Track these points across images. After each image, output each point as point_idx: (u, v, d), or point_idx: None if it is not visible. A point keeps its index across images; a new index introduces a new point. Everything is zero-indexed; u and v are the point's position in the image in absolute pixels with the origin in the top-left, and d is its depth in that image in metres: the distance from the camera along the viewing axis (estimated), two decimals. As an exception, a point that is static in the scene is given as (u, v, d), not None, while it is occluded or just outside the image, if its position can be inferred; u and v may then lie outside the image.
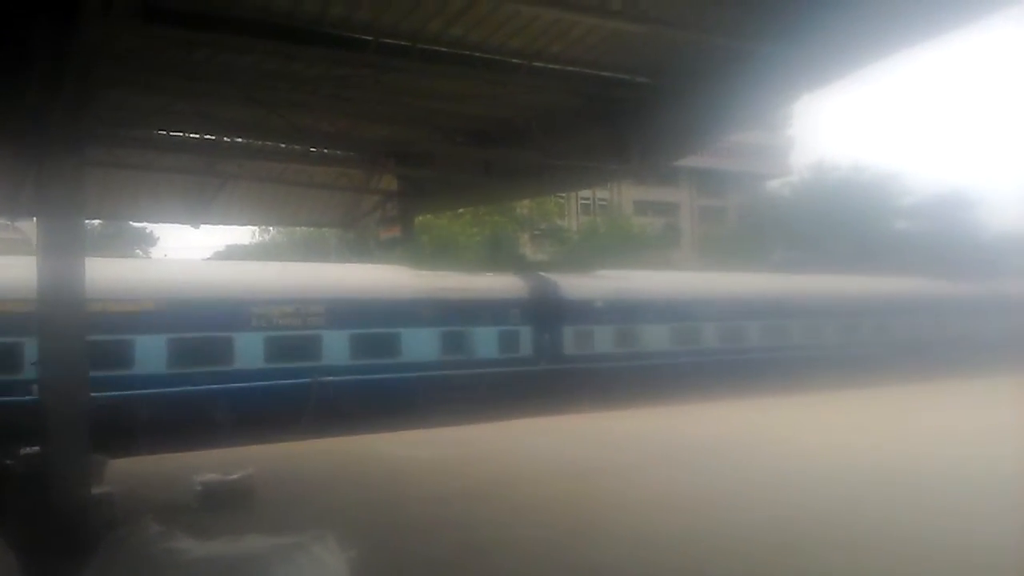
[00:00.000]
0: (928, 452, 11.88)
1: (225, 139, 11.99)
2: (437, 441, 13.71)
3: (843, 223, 36.84)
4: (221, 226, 16.67)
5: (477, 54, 8.76)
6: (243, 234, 52.65)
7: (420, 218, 35.29)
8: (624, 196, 56.33)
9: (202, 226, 14.70)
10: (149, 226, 43.10)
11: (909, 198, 39.93)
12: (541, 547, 7.04)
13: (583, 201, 55.37)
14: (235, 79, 9.46)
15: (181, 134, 11.85)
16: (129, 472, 10.29)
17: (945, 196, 39.16)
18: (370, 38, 8.24)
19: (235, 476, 8.65)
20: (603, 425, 15.32)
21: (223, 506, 8.28)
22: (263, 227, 37.73)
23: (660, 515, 8.25)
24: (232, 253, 37.70)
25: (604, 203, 55.66)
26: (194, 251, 61.25)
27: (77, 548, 5.97)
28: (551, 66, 9.12)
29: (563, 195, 53.51)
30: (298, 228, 33.41)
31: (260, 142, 12.12)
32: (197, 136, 11.95)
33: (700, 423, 15.62)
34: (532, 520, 8.01)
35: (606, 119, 10.39)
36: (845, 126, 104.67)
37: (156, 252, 42.98)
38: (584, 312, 21.10)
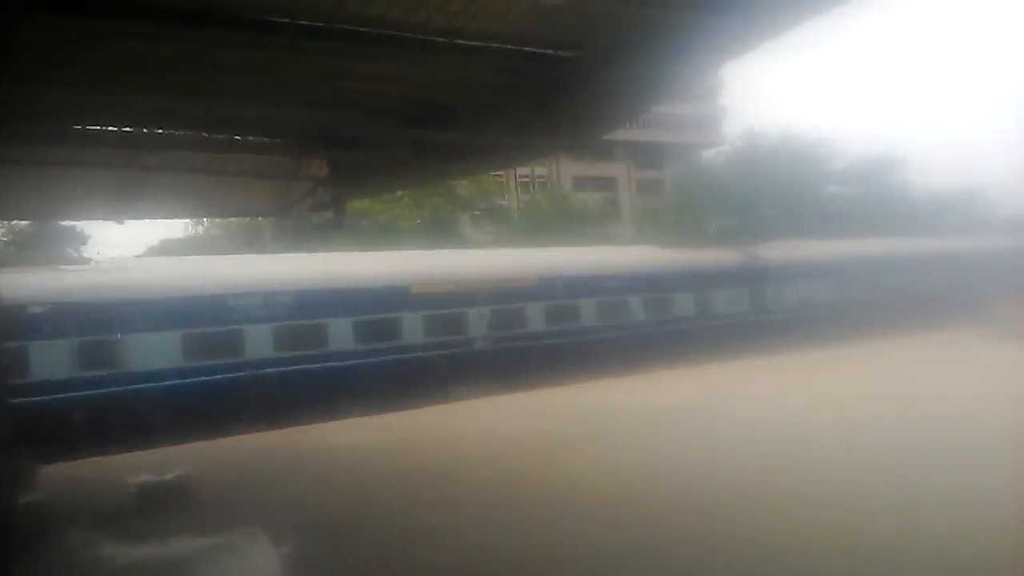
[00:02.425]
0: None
1: (144, 130, 11.62)
2: (386, 427, 13.67)
3: (776, 190, 37.38)
4: (148, 220, 16.21)
5: (398, 33, 8.59)
6: (176, 228, 51.47)
7: (358, 203, 35.02)
8: (563, 172, 56.44)
9: (127, 221, 14.29)
10: (78, 224, 41.82)
11: (840, 162, 40.68)
12: (484, 529, 6.99)
13: (522, 179, 55.37)
14: (150, 69, 9.16)
15: (99, 128, 11.47)
16: (63, 477, 10.03)
17: (874, 159, 40.01)
18: (286, 20, 8.02)
19: (170, 477, 8.45)
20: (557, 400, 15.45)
21: (159, 508, 8.09)
22: (194, 219, 36.96)
23: (610, 487, 8.28)
24: (167, 248, 36.86)
25: (543, 180, 55.70)
26: (125, 248, 59.81)
27: (4, 558, 5.77)
28: (474, 43, 8.99)
29: (501, 173, 53.49)
30: (232, 219, 32.82)
31: (181, 132, 11.78)
32: (115, 128, 11.56)
33: (643, 393, 15.83)
34: (479, 501, 7.98)
35: (534, 95, 10.30)
36: (776, 93, 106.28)
37: (87, 251, 41.75)
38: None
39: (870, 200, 35.76)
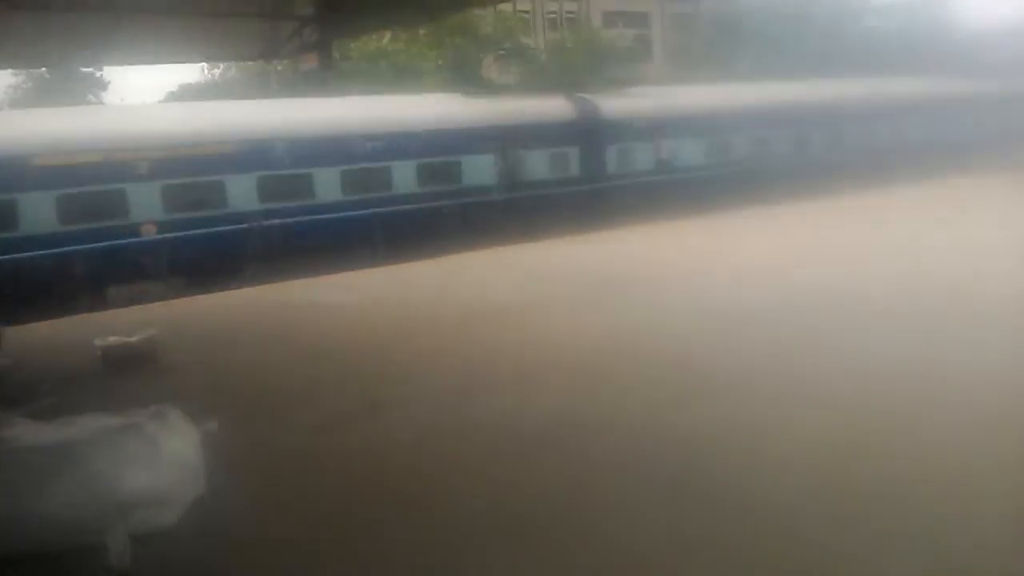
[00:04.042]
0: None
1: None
2: (368, 284, 13.44)
3: (813, 24, 35.47)
4: (129, 66, 15.72)
5: None
6: (194, 73, 50.74)
7: (373, 44, 33.88)
8: (592, 7, 53.96)
9: (105, 67, 13.93)
10: (98, 72, 41.26)
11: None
12: (442, 399, 6.88)
13: (550, 15, 53.12)
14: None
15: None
16: (31, 339, 10.11)
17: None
18: None
19: (136, 338, 8.47)
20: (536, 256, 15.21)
21: (125, 370, 8.13)
22: (185, 64, 36.16)
23: (576, 352, 8.17)
24: (185, 93, 36.38)
25: (572, 16, 53.38)
26: (148, 93, 59.28)
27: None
28: None
29: (527, 9, 51.31)
30: (246, 64, 32.09)
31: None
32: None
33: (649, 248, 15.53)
34: (442, 366, 7.87)
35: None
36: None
37: (109, 97, 41.41)
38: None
39: (911, 35, 33.78)
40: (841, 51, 31.76)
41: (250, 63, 23.36)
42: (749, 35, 40.46)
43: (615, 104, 22.06)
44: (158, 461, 4.67)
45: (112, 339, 8.47)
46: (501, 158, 19.27)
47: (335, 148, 16.46)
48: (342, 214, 16.37)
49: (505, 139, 19.39)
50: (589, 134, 21.06)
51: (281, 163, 15.77)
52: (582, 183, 20.60)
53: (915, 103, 27.83)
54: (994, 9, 52.73)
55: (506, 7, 46.36)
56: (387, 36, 34.83)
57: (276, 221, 15.55)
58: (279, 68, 21.93)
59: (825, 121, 25.29)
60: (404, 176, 17.56)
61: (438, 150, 18.21)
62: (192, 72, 52.48)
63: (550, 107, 21.05)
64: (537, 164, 19.91)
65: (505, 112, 19.97)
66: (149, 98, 42.27)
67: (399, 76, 33.51)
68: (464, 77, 36.58)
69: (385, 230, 16.76)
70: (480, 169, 18.95)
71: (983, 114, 29.19)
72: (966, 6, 54.81)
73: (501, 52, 45.62)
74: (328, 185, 16.34)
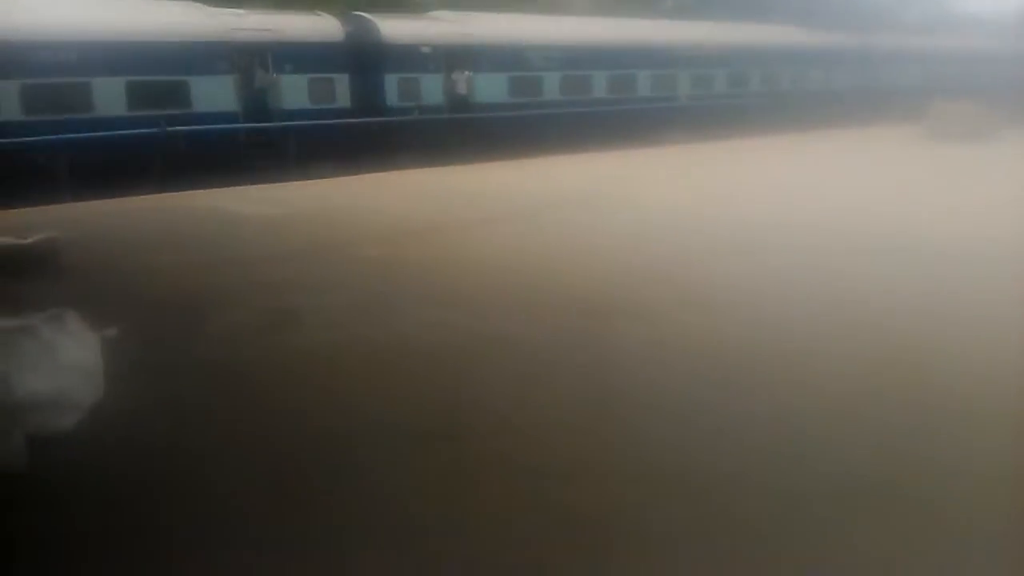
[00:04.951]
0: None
1: None
2: (289, 198, 13.31)
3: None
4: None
5: None
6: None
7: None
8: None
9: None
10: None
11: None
12: (343, 314, 6.86)
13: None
14: None
15: None
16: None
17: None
18: None
19: (31, 240, 8.12)
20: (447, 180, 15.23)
21: (21, 273, 7.79)
22: None
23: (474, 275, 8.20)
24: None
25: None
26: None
27: None
28: None
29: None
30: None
31: None
32: None
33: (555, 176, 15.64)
34: (348, 284, 7.81)
35: None
36: None
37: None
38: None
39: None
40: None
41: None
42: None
43: (403, 28, 19.57)
44: (54, 364, 4.56)
45: (3, 239, 8.11)
46: (242, 80, 16.86)
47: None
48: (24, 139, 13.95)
49: (250, 58, 16.91)
50: (363, 59, 18.64)
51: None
52: (353, 115, 18.27)
53: (817, 53, 28.05)
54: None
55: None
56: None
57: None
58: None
59: (655, 64, 23.71)
60: (108, 95, 15.09)
61: (157, 67, 15.68)
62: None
63: (310, 25, 18.37)
64: (292, 90, 17.52)
65: (252, 27, 17.13)
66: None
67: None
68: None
69: (79, 162, 14.06)
70: (214, 92, 16.44)
71: (888, 68, 30.06)
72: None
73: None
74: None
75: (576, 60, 21.81)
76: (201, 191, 13.74)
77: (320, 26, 18.36)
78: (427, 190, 14.41)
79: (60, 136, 14.14)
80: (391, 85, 18.88)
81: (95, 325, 5.15)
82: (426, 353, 5.84)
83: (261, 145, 16.80)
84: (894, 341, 5.84)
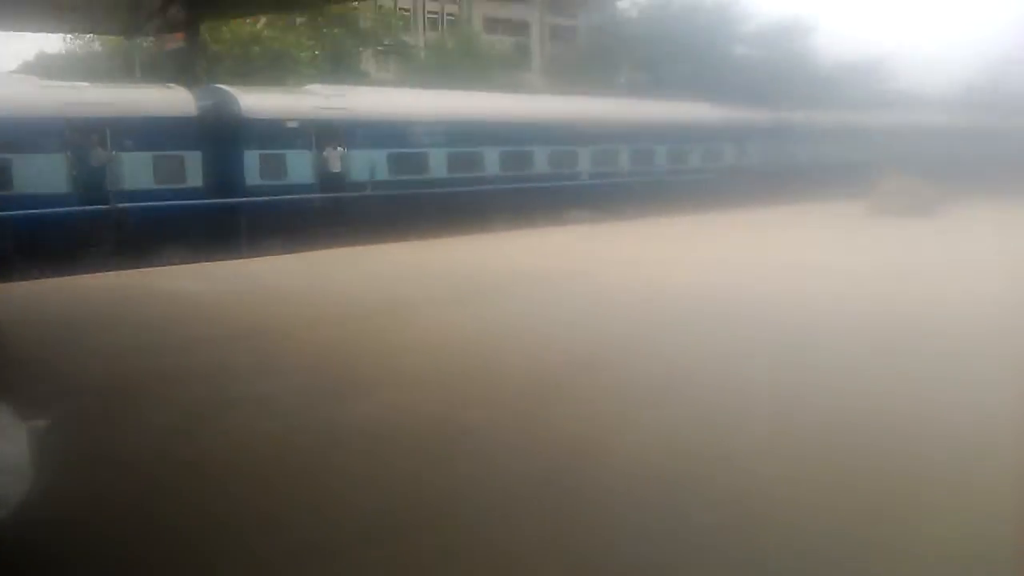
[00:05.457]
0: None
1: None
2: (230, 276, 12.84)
3: (685, 46, 36.66)
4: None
5: None
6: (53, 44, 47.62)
7: (246, 28, 32.69)
8: (474, 11, 54.07)
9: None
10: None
11: (751, 23, 40.04)
12: (284, 402, 6.55)
13: (431, 15, 52.89)
14: None
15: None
16: None
17: (783, 22, 39.53)
18: None
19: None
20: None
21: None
22: (44, 32, 33.63)
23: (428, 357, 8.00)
24: (42, 64, 33.95)
25: (452, 18, 53.32)
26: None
27: None
28: None
29: (408, 8, 50.85)
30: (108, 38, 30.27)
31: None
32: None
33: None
34: (290, 366, 7.53)
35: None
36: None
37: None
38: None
39: (774, 65, 35.38)
40: (711, 75, 32.79)
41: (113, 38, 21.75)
42: (623, 52, 41.54)
43: (267, 101, 18.32)
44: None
45: None
46: (75, 159, 15.59)
47: None
48: None
49: (85, 135, 15.63)
50: (219, 135, 17.29)
51: None
52: (206, 195, 16.89)
53: (763, 130, 28.57)
54: (855, 45, 56.09)
55: (387, 2, 45.92)
56: (262, 21, 33.69)
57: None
58: (144, 45, 20.43)
59: (554, 140, 22.49)
60: None
61: None
62: (52, 43, 49.26)
63: (159, 98, 17.13)
64: (134, 169, 16.16)
65: (89, 100, 15.97)
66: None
67: (273, 63, 32.47)
68: (341, 69, 35.95)
69: None
70: (39, 172, 15.20)
71: (833, 143, 30.82)
72: (830, 36, 58.17)
73: (380, 48, 45.17)
74: None
75: (466, 136, 20.78)
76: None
77: (170, 99, 17.10)
78: (281, 281, 12.74)
79: None
80: (251, 162, 17.46)
81: (22, 414, 4.87)
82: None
83: (96, 229, 15.39)
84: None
